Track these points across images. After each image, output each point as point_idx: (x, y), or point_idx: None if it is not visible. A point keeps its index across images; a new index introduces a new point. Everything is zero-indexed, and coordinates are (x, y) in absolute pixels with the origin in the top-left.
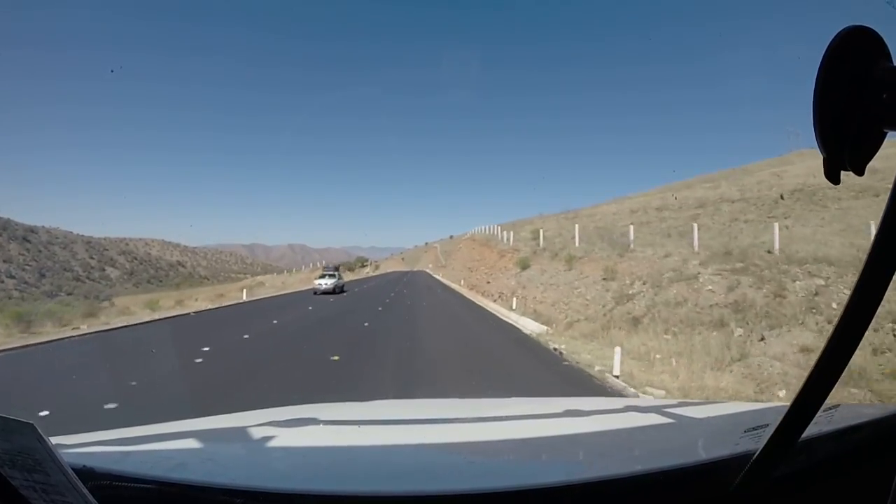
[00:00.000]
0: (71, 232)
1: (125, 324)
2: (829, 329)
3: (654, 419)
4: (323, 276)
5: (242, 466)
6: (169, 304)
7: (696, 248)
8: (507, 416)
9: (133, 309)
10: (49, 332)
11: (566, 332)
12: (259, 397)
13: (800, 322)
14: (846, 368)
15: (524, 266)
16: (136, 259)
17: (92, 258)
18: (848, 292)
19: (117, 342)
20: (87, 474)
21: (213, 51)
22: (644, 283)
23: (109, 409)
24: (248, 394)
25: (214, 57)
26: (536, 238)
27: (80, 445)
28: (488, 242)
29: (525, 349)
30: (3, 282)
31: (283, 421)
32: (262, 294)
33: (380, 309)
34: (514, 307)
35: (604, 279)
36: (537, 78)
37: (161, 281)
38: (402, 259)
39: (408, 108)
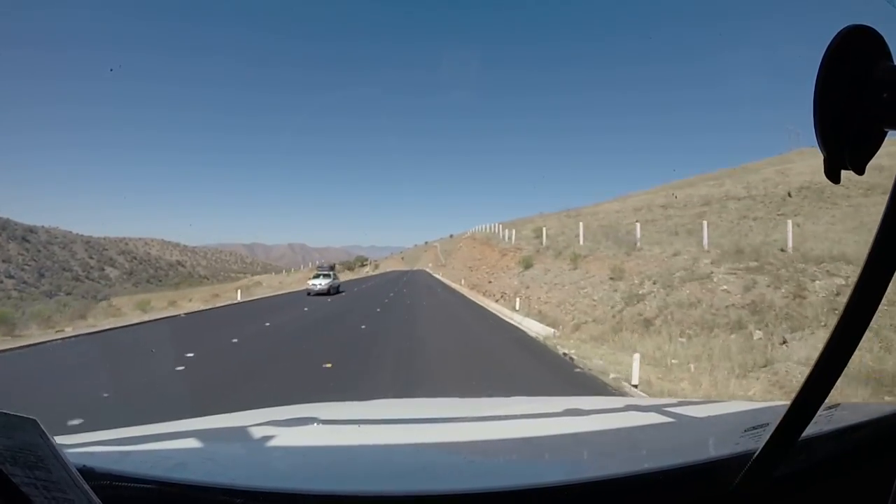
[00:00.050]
0: (70, 232)
1: (111, 326)
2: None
3: (655, 419)
4: (317, 277)
5: (242, 466)
6: (161, 305)
7: (706, 247)
8: (507, 416)
9: (124, 310)
10: (32, 335)
11: (574, 334)
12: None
13: (822, 324)
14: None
15: (527, 265)
16: (135, 259)
17: (91, 258)
18: None
19: (99, 346)
20: (87, 474)
21: (213, 51)
22: (654, 283)
23: (74, 425)
24: (228, 410)
25: (214, 57)
26: (539, 236)
27: (79, 445)
28: (489, 241)
29: (533, 354)
30: (2, 282)
31: (283, 421)
32: (258, 294)
33: (378, 310)
34: (517, 308)
35: (611, 279)
36: (537, 78)
37: (160, 281)
38: (402, 258)
39: (408, 108)
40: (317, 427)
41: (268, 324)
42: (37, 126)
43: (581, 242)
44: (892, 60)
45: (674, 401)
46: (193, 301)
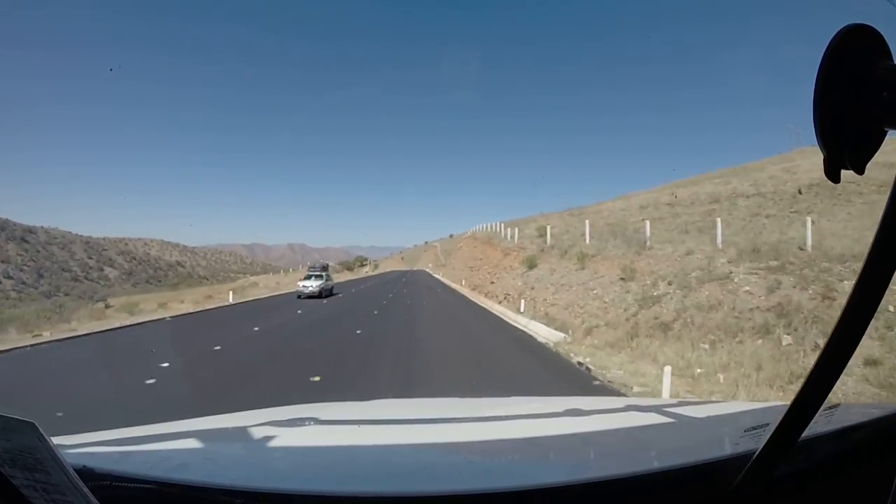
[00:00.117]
0: (69, 232)
1: (91, 330)
2: (892, 337)
3: (655, 419)
4: (308, 278)
5: (242, 466)
6: (150, 307)
7: (721, 245)
8: (507, 416)
9: (111, 312)
10: (8, 340)
11: (585, 339)
12: None
13: None
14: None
15: (531, 265)
16: (134, 259)
17: (90, 258)
18: None
19: (73, 353)
20: (87, 475)
21: (214, 51)
22: (669, 284)
23: None
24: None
25: (214, 57)
26: (543, 235)
27: (79, 446)
28: (491, 240)
29: (545, 363)
30: (0, 283)
31: (283, 421)
32: (252, 295)
33: (376, 312)
34: (522, 310)
35: (622, 279)
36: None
37: (160, 281)
38: (402, 258)
39: (408, 108)
40: (317, 427)
41: (256, 328)
42: (37, 126)
43: (587, 241)
44: (892, 60)
45: (674, 401)
46: (185, 303)
